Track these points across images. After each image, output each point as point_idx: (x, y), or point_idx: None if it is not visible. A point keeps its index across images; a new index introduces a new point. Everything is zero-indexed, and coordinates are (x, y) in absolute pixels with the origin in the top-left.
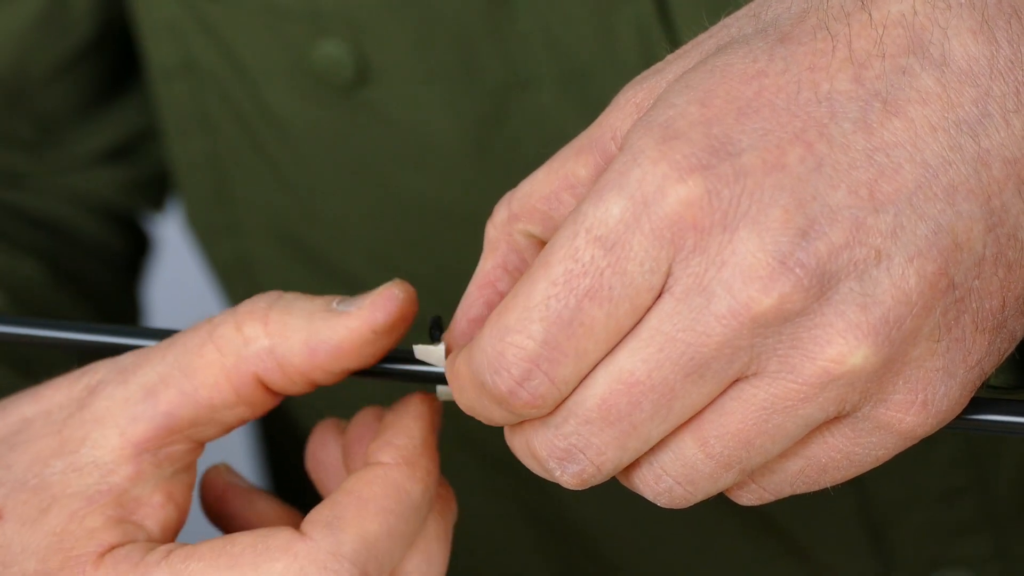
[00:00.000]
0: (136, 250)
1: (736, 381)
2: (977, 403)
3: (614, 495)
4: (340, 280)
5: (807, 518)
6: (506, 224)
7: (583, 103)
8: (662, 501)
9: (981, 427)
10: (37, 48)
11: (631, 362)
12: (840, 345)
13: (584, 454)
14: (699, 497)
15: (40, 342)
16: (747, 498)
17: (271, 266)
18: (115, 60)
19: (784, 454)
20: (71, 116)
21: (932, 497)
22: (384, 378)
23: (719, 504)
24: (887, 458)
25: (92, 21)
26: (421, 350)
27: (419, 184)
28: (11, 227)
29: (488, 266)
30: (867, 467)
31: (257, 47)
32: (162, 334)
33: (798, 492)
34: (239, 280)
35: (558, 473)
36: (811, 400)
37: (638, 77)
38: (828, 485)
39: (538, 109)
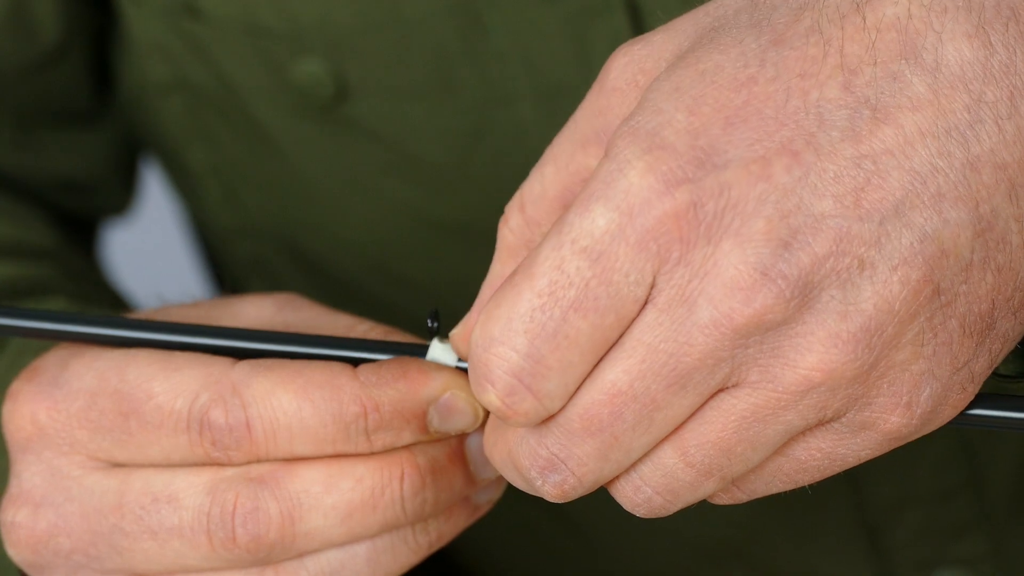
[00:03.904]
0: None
1: (717, 392)
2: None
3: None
4: (341, 287)
5: (803, 521)
6: (524, 229)
7: (562, 119)
8: (641, 512)
9: (977, 422)
10: (3, 48)
11: (613, 373)
12: (820, 353)
13: (566, 465)
14: (679, 506)
15: (40, 334)
16: (721, 498)
17: (282, 269)
18: (84, 70)
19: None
20: (46, 120)
21: (927, 497)
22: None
23: (713, 510)
24: (871, 457)
25: (57, 28)
26: (431, 355)
27: (407, 195)
28: (19, 206)
29: (507, 270)
30: (849, 466)
31: (242, 65)
32: (166, 328)
33: (773, 492)
34: (257, 280)
35: (539, 483)
36: (791, 408)
37: (630, 51)
38: (806, 484)
39: (518, 124)
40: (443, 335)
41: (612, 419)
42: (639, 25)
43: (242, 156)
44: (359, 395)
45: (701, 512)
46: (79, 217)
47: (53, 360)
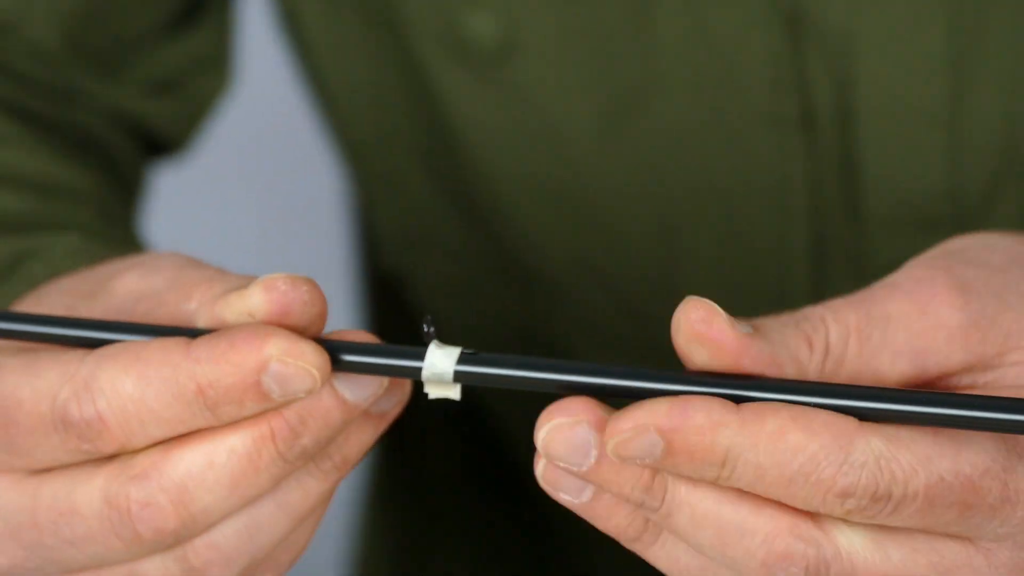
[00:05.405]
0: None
1: None
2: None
3: None
4: (486, 213)
5: None
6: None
7: (709, 114)
8: None
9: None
10: None
11: None
12: None
13: None
14: None
15: (45, 339)
16: None
17: (419, 185)
18: None
19: None
20: (144, 40)
21: None
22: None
23: None
24: None
25: None
26: (429, 359)
27: (545, 167)
28: (73, 146)
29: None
30: None
31: (414, 6)
32: (175, 331)
33: None
34: (388, 195)
35: None
36: None
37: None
38: None
39: (665, 113)
40: (440, 340)
41: None
42: (796, 36)
43: (399, 82)
44: (193, 373)
45: None
46: (149, 140)
47: None
